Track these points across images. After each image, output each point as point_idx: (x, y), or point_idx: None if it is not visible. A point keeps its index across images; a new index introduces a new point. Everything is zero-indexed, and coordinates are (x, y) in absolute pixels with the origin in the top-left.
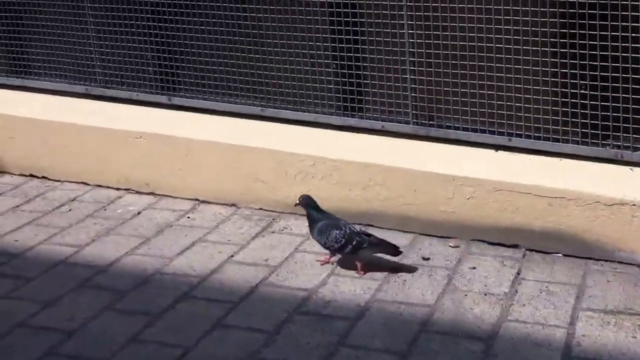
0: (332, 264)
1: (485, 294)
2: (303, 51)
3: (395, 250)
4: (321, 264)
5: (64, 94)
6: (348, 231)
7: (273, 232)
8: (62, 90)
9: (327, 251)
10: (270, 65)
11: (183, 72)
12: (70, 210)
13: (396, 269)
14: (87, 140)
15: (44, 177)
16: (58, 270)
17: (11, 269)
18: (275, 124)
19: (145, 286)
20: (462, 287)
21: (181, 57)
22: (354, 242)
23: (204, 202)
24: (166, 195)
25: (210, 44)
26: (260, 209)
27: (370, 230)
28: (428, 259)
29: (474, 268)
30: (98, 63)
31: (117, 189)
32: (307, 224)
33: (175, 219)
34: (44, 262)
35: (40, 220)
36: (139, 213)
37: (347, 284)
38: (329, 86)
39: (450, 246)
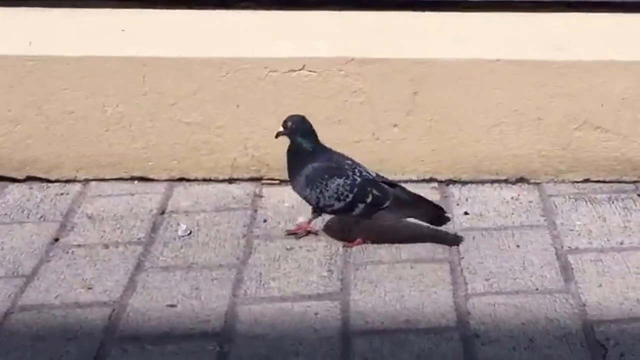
0: (316, 234)
1: None
2: None
3: (438, 214)
4: (297, 237)
5: None
6: (359, 179)
7: None
8: None
9: (306, 215)
10: None
11: None
12: None
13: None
14: None
15: None
16: None
17: None
18: None
19: None
20: None
21: None
22: (368, 198)
23: None
24: None
25: None
26: None
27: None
28: None
29: None
30: None
31: None
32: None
33: None
34: None
35: None
36: None
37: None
38: None
39: None
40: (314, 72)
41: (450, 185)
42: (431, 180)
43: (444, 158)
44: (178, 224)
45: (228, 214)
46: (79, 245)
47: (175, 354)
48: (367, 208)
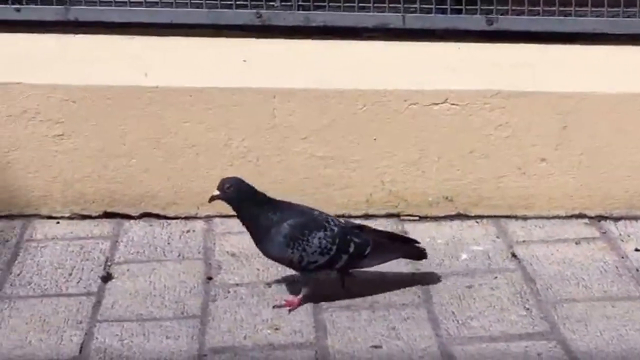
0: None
1: None
2: None
3: (418, 250)
4: (289, 309)
5: None
6: (335, 228)
7: None
8: None
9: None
10: None
11: None
12: None
13: None
14: None
15: None
16: None
17: None
18: None
19: None
20: None
21: None
22: (350, 248)
23: None
24: None
25: None
26: None
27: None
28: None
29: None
30: None
31: None
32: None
33: None
34: None
35: None
36: None
37: None
38: None
39: None
40: (457, 105)
41: (602, 222)
42: (580, 216)
43: (594, 193)
44: None
45: None
46: (237, 284)
47: None
48: (350, 259)
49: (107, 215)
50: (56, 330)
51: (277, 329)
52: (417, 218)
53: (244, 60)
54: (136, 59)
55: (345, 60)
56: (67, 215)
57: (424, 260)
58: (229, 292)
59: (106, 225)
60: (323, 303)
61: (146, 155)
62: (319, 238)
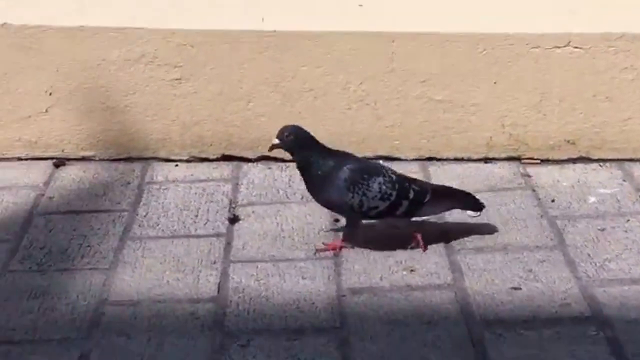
0: (337, 251)
1: None
2: None
3: (475, 200)
4: (332, 252)
5: None
6: (394, 176)
7: None
8: None
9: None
10: None
11: None
12: None
13: None
14: None
15: None
16: None
17: None
18: None
19: None
20: None
21: None
22: (410, 194)
23: None
24: None
25: None
26: None
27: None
28: None
29: None
30: None
31: None
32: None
33: None
34: None
35: None
36: None
37: None
38: None
39: None
40: (580, 48)
41: None
42: None
43: None
44: None
45: (506, 194)
46: (366, 226)
47: (557, 339)
48: (410, 205)
49: (225, 158)
50: (192, 270)
51: (412, 270)
52: (538, 161)
53: (360, 5)
54: (253, 3)
55: (465, 3)
56: (185, 158)
57: (553, 201)
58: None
59: (225, 168)
60: (454, 245)
61: (264, 98)
62: (379, 183)
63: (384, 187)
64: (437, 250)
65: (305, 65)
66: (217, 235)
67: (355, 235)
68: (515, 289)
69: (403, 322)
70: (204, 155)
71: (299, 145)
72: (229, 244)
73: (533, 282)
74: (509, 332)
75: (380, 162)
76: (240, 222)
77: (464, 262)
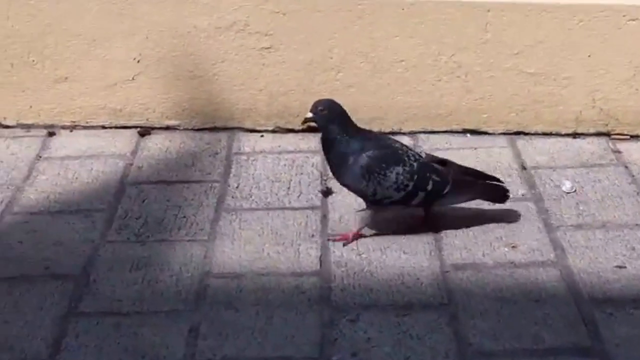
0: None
1: None
2: None
3: (500, 192)
4: (345, 242)
5: None
6: (415, 164)
7: None
8: None
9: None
10: None
11: None
12: None
13: None
14: None
15: None
16: None
17: None
18: None
19: None
20: None
21: None
22: (429, 185)
23: None
24: None
25: None
26: None
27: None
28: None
29: None
30: None
31: None
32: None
33: None
34: None
35: None
36: None
37: None
38: None
39: None
40: None
41: None
42: None
43: None
44: (554, 180)
45: (599, 170)
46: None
47: None
48: (428, 196)
49: (311, 129)
50: (291, 244)
51: (514, 246)
52: (628, 137)
53: None
54: None
55: None
56: (270, 128)
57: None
58: (454, 208)
59: (311, 140)
60: (553, 222)
61: (353, 69)
62: (397, 173)
63: (401, 177)
64: (536, 226)
65: (398, 36)
66: (312, 207)
67: (375, 220)
68: (620, 267)
69: (511, 300)
70: (289, 126)
71: (331, 120)
72: (324, 217)
73: (637, 260)
74: (619, 312)
75: (419, 146)
76: (334, 194)
77: (565, 240)
